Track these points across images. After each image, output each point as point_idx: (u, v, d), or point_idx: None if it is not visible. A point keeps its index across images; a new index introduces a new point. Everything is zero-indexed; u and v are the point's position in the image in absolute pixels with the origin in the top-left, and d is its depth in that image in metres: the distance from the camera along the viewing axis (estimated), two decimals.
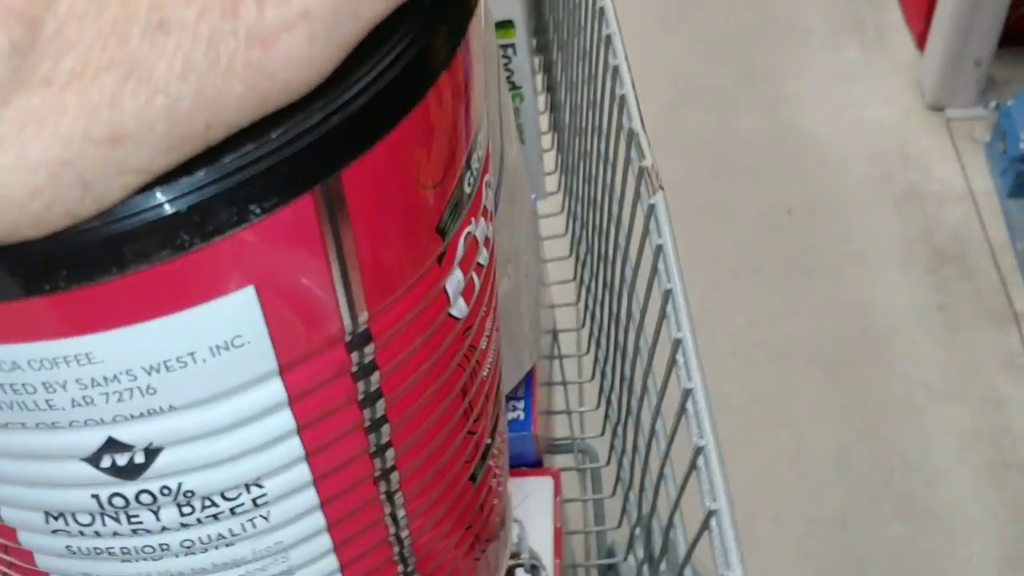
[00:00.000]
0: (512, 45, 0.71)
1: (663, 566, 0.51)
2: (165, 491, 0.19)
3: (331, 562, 0.22)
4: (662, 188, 0.47)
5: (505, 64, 0.72)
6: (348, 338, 0.19)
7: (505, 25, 0.69)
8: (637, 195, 0.49)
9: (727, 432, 1.31)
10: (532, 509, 0.62)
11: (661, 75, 1.78)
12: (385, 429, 0.21)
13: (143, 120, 0.15)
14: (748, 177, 1.63)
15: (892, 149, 1.66)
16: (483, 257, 0.22)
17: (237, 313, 0.17)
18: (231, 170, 0.15)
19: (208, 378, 0.17)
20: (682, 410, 0.40)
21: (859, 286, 1.48)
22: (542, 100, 0.88)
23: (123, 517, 0.19)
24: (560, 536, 0.61)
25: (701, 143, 1.69)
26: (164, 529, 0.20)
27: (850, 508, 1.25)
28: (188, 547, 0.20)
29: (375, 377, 0.20)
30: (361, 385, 0.20)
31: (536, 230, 0.77)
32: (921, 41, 1.73)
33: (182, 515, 0.19)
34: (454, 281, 0.21)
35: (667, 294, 0.43)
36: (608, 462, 0.71)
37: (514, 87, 0.74)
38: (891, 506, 1.25)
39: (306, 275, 0.17)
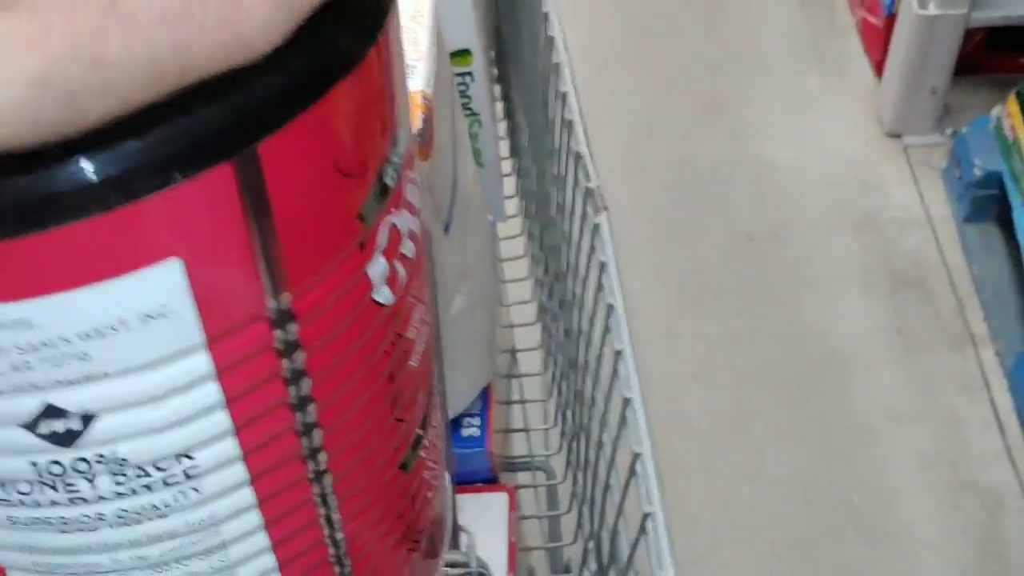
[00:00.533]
0: (469, 73, 0.73)
1: (612, 574, 0.53)
2: (100, 459, 0.20)
3: (262, 539, 0.23)
4: (606, 209, 0.48)
5: (463, 92, 0.74)
6: (272, 315, 0.20)
7: (462, 53, 0.71)
8: (584, 215, 0.51)
9: (689, 454, 1.33)
10: (486, 524, 0.63)
11: (623, 106, 1.81)
12: (311, 408, 0.22)
13: (124, 55, 0.16)
14: (710, 205, 1.66)
15: (851, 176, 1.70)
16: (408, 249, 0.24)
17: (164, 283, 0.18)
18: (155, 135, 0.17)
19: (139, 346, 0.19)
20: (622, 419, 0.42)
21: (819, 311, 1.50)
22: (502, 127, 0.90)
23: (60, 485, 0.20)
24: (515, 551, 0.63)
25: (663, 172, 1.72)
26: (100, 498, 0.21)
27: (811, 530, 1.27)
28: (123, 517, 0.21)
29: (299, 355, 0.21)
30: (285, 362, 0.21)
31: (493, 251, 0.78)
32: (879, 69, 1.77)
33: (116, 484, 0.21)
34: (377, 268, 0.22)
35: (609, 308, 0.45)
36: (564, 479, 0.72)
37: (472, 113, 0.76)
38: (852, 527, 1.27)
39: (230, 248, 0.18)
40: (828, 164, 1.72)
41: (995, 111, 1.54)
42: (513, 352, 0.79)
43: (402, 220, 0.23)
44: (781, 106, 1.82)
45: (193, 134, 0.17)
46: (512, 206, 0.87)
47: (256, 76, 0.18)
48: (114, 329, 0.18)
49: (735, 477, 1.31)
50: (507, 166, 0.90)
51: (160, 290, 0.18)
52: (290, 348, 0.21)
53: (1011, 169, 1.46)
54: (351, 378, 0.23)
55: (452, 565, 0.46)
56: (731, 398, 1.39)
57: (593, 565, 0.62)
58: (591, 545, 0.63)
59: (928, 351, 1.44)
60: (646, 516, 0.37)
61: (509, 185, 0.89)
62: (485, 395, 0.65)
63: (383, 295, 0.23)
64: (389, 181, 0.22)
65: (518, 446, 0.78)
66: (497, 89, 0.91)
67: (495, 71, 0.89)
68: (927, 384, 1.40)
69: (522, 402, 0.77)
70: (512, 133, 0.89)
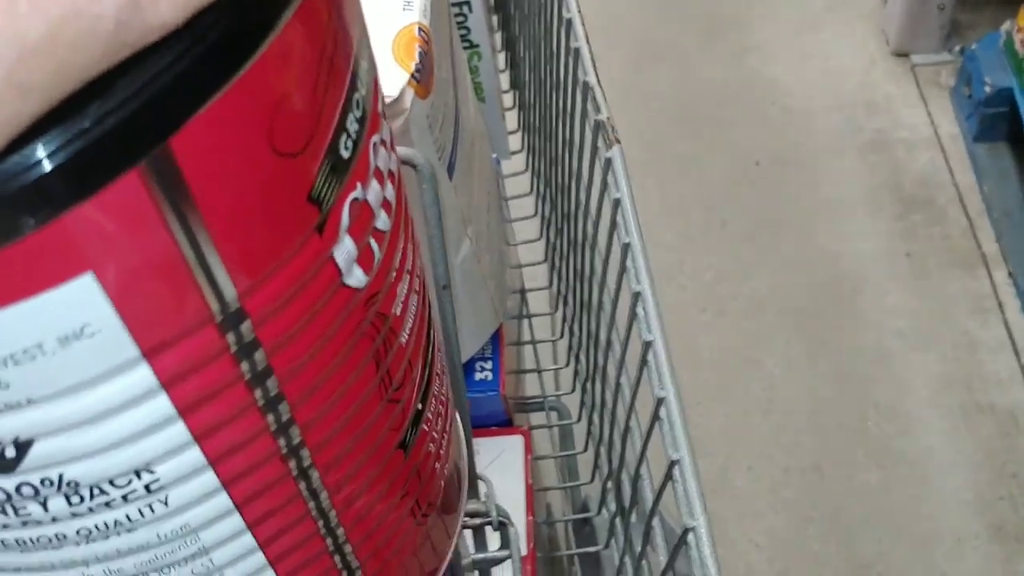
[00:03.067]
0: (467, 2, 0.70)
1: (633, 517, 0.51)
2: (47, 483, 0.18)
3: (248, 541, 0.22)
4: (618, 141, 0.46)
5: (461, 22, 0.71)
6: (219, 318, 0.18)
7: None
8: (595, 149, 0.49)
9: (700, 386, 1.32)
10: (503, 468, 0.62)
11: (624, 32, 1.77)
12: (283, 407, 0.20)
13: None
14: (715, 130, 1.63)
15: (858, 97, 1.66)
16: (383, 222, 0.21)
17: (78, 302, 0.16)
18: (45, 152, 0.14)
19: (62, 369, 0.17)
20: (643, 362, 0.40)
21: (828, 236, 1.48)
22: (501, 58, 0.87)
23: (9, 510, 0.18)
24: (532, 493, 0.62)
25: (667, 97, 1.68)
26: (55, 520, 0.19)
27: (825, 456, 1.26)
28: (86, 535, 0.20)
29: (260, 355, 0.19)
30: (245, 365, 0.19)
31: (498, 190, 0.76)
32: None
33: (71, 504, 0.19)
34: (344, 250, 0.20)
35: (625, 248, 0.43)
36: (579, 419, 0.71)
37: (471, 45, 0.73)
38: (865, 452, 1.26)
39: (152, 257, 0.16)
40: (834, 85, 1.68)
41: (1005, 26, 1.50)
42: (523, 292, 0.78)
43: (371, 192, 0.20)
44: (785, 27, 1.78)
45: (90, 147, 0.14)
46: (515, 141, 0.85)
47: (158, 60, 0.15)
48: (30, 355, 0.16)
49: (747, 406, 1.30)
50: (508, 99, 0.87)
51: (75, 309, 0.16)
52: (247, 349, 0.19)
53: (1022, 85, 1.43)
54: (326, 369, 0.21)
55: (472, 515, 0.45)
56: (741, 327, 1.38)
57: (613, 505, 0.61)
58: (610, 486, 0.62)
59: (939, 273, 1.43)
60: (673, 463, 0.36)
61: (511, 119, 0.86)
62: (496, 338, 0.64)
63: (355, 278, 0.20)
64: (345, 152, 0.19)
65: (531, 386, 0.76)
66: (495, 19, 0.88)
67: (491, 0, 0.86)
68: (939, 306, 1.39)
69: (533, 342, 0.75)
70: (513, 65, 0.86)
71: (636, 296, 0.40)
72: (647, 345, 0.39)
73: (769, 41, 1.76)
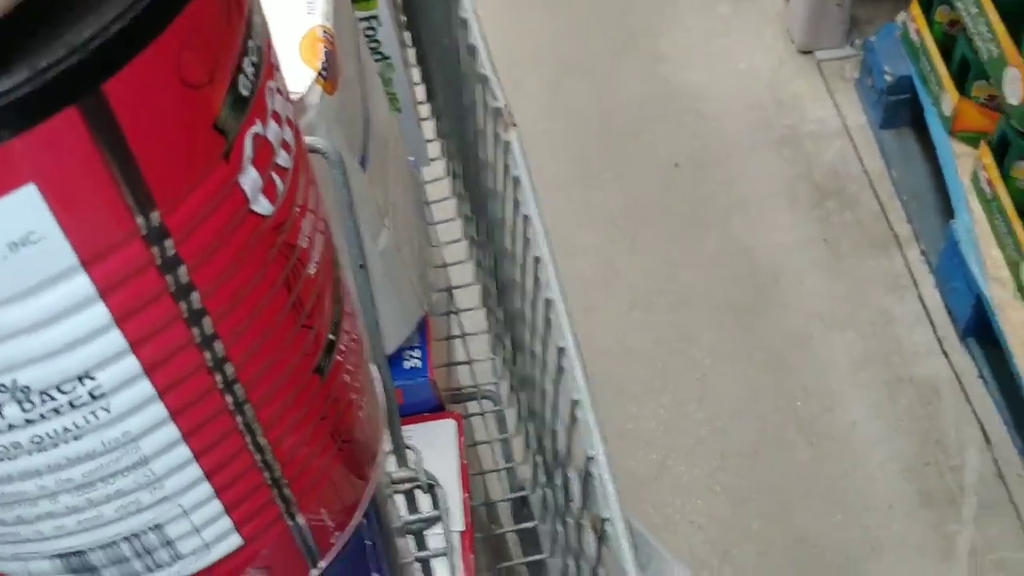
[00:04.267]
0: (375, 16, 0.74)
1: (557, 480, 0.55)
2: (2, 388, 0.21)
3: (184, 451, 0.24)
4: (515, 125, 0.50)
5: (371, 36, 0.75)
6: (144, 232, 0.21)
7: None
8: (496, 137, 0.53)
9: (634, 381, 1.36)
10: (437, 450, 0.65)
11: (542, 50, 1.82)
12: (207, 321, 0.23)
13: None
14: (635, 138, 1.68)
15: (768, 95, 1.73)
16: (284, 159, 0.24)
17: (24, 209, 0.19)
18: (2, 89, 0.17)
19: (15, 273, 0.19)
20: (547, 323, 0.44)
21: (748, 229, 1.54)
22: (416, 73, 0.91)
23: None
24: (466, 472, 0.65)
25: (587, 110, 1.73)
26: (11, 427, 0.22)
27: (758, 439, 1.31)
28: (39, 443, 0.22)
29: (183, 270, 0.22)
30: (170, 278, 0.22)
31: (416, 191, 0.79)
32: None
33: (24, 411, 0.21)
34: (249, 179, 0.23)
35: (525, 219, 0.46)
36: (509, 403, 0.75)
37: (383, 57, 0.77)
38: (797, 433, 1.31)
39: (86, 176, 0.19)
40: (745, 86, 1.74)
41: (900, 17, 1.58)
42: (449, 290, 0.81)
43: (271, 131, 0.24)
44: (694, 34, 1.84)
45: (37, 88, 0.18)
46: (434, 149, 0.89)
47: (96, 18, 0.18)
48: None
49: (681, 397, 1.35)
50: (425, 111, 0.91)
51: (22, 216, 0.19)
52: (171, 263, 0.22)
53: (920, 72, 1.50)
54: (243, 288, 0.24)
55: (401, 481, 0.48)
56: (670, 322, 1.43)
57: (543, 477, 0.65)
58: (538, 458, 0.65)
59: (855, 256, 1.49)
60: (574, 403, 0.39)
61: (429, 129, 0.90)
62: (423, 328, 0.67)
63: (262, 206, 0.23)
64: (244, 91, 0.22)
65: (464, 379, 0.80)
66: (408, 36, 0.92)
67: (403, 17, 0.90)
68: (857, 288, 1.45)
69: (463, 336, 0.78)
70: (426, 78, 0.90)
71: (536, 260, 0.44)
72: (548, 303, 0.43)
73: (680, 49, 1.82)
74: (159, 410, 0.23)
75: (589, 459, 0.38)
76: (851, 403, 1.33)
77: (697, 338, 1.41)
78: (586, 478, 0.39)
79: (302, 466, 0.29)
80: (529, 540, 0.75)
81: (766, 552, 1.22)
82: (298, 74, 0.47)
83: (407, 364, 0.65)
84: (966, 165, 1.39)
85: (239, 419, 0.25)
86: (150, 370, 0.23)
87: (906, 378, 1.34)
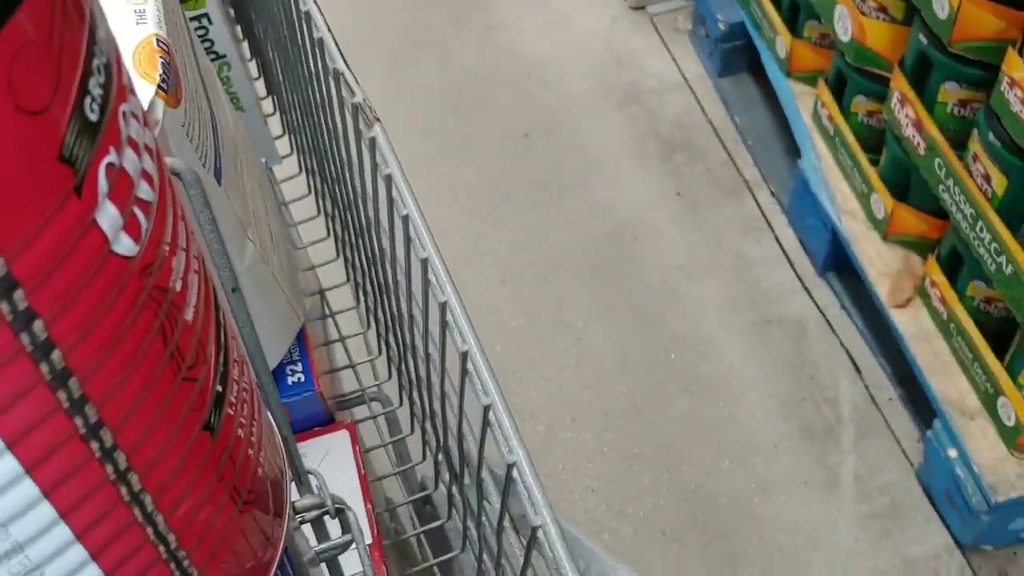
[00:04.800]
0: (206, 15, 0.69)
1: (467, 479, 0.53)
2: None
3: (63, 531, 0.21)
4: (378, 120, 0.47)
5: (203, 36, 0.71)
6: None
7: None
8: (358, 133, 0.50)
9: (513, 355, 1.35)
10: (334, 464, 0.62)
11: (377, 31, 1.77)
12: (73, 382, 0.20)
13: None
14: (481, 110, 1.66)
15: (606, 55, 1.73)
16: (146, 192, 0.21)
17: None
18: None
19: None
20: (443, 325, 0.42)
21: (603, 191, 1.54)
22: (253, 67, 0.87)
23: None
24: (366, 483, 0.62)
25: (430, 86, 1.71)
26: None
27: (639, 395, 1.32)
28: None
29: (39, 325, 0.19)
30: (24, 336, 0.19)
31: (274, 194, 0.76)
32: None
33: None
34: (107, 216, 0.20)
35: (405, 220, 0.44)
36: (401, 403, 0.72)
37: (218, 56, 0.73)
38: (674, 384, 1.33)
39: None
40: (582, 48, 1.75)
41: None
42: (321, 293, 0.78)
43: (128, 160, 0.21)
44: (526, 3, 1.83)
45: None
46: (283, 145, 0.85)
47: None
48: None
49: (559, 364, 1.35)
50: (268, 105, 0.87)
51: None
52: (24, 318, 0.19)
53: (752, 17, 1.53)
54: (111, 341, 0.21)
55: (308, 509, 0.45)
56: (541, 291, 1.42)
57: (446, 475, 0.63)
58: (441, 457, 0.63)
59: (709, 205, 1.51)
60: (487, 408, 0.37)
61: (275, 125, 0.86)
62: (302, 339, 0.64)
63: (124, 246, 0.20)
64: (92, 115, 0.19)
65: (348, 383, 0.77)
66: (238, 29, 0.88)
67: (231, 11, 0.85)
68: (715, 236, 1.47)
69: (341, 339, 0.75)
70: (266, 71, 0.86)
71: (424, 263, 0.42)
72: (442, 306, 0.41)
73: (514, 17, 1.81)
74: (29, 488, 0.20)
75: (510, 466, 0.36)
76: (723, 349, 1.36)
77: (568, 304, 1.41)
78: (507, 483, 0.37)
79: (201, 534, 0.26)
80: (435, 538, 0.73)
81: (660, 506, 1.24)
82: (137, 90, 0.43)
83: (291, 379, 0.62)
84: (806, 104, 1.43)
85: (123, 490, 0.22)
86: (13, 444, 0.19)
87: (773, 318, 1.38)
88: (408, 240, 0.45)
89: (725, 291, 1.41)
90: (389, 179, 0.45)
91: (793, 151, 1.47)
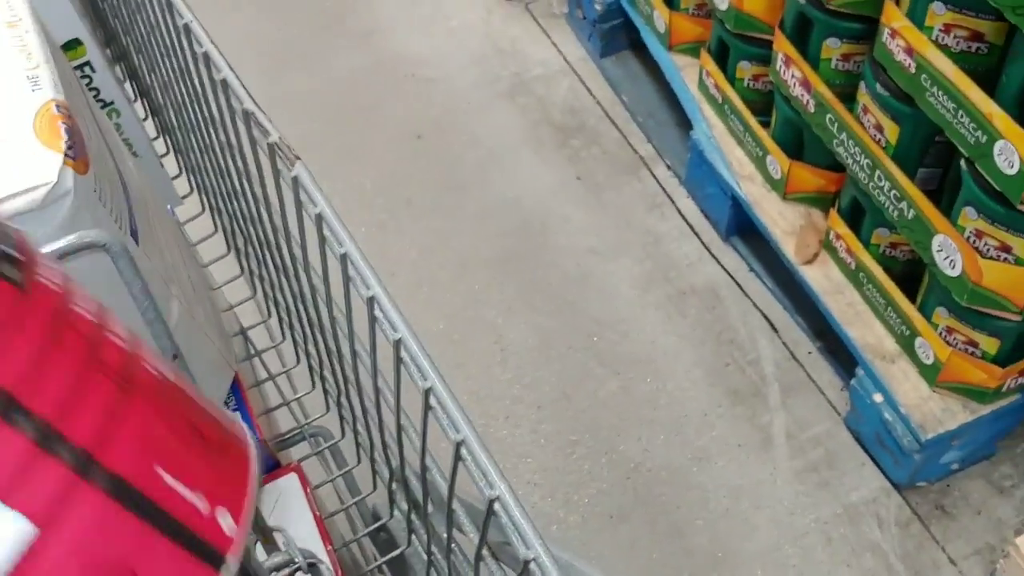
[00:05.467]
0: (88, 63, 0.67)
1: (430, 508, 0.52)
2: None
3: None
4: (298, 158, 0.46)
5: (88, 84, 0.68)
6: None
7: (72, 45, 0.64)
8: (276, 172, 0.48)
9: (437, 359, 1.33)
10: (288, 509, 0.61)
11: (246, 46, 1.73)
12: None
13: None
14: (368, 116, 1.64)
15: (487, 48, 1.73)
16: None
17: None
18: None
19: None
20: (398, 361, 0.41)
21: (504, 184, 1.54)
22: (139, 107, 0.84)
23: None
24: (322, 523, 0.61)
25: (310, 98, 1.68)
26: None
27: (566, 382, 1.32)
28: None
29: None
30: None
31: (184, 238, 0.73)
32: None
33: None
34: None
35: (344, 258, 0.43)
36: (343, 435, 0.71)
37: (106, 104, 0.70)
38: (600, 366, 1.34)
39: None
40: (462, 43, 1.74)
41: None
42: (243, 332, 0.75)
43: None
44: (399, 3, 1.81)
45: None
46: (182, 185, 0.82)
47: None
48: None
49: (485, 362, 1.34)
50: (160, 145, 0.84)
51: None
52: None
53: None
54: None
55: (279, 568, 0.44)
56: (457, 291, 1.41)
57: (404, 504, 0.62)
58: (395, 486, 0.62)
59: (610, 186, 1.52)
60: (459, 444, 0.37)
61: (170, 164, 0.83)
62: (235, 386, 0.62)
63: None
64: None
65: (284, 422, 0.75)
66: (118, 71, 0.84)
67: (109, 52, 0.82)
68: (619, 215, 1.48)
69: (271, 378, 0.73)
70: (155, 111, 0.83)
71: (371, 300, 0.41)
72: (397, 344, 0.40)
73: (389, 18, 1.79)
74: None
75: (493, 500, 0.35)
76: (643, 325, 1.37)
77: (485, 301, 1.41)
78: (488, 518, 0.36)
79: None
80: (396, 566, 0.72)
81: (603, 489, 1.24)
82: (42, 161, 0.41)
83: None
84: (691, 76, 1.45)
85: None
86: None
87: (687, 289, 1.39)
88: (347, 278, 0.44)
89: (637, 269, 1.42)
90: (320, 218, 0.44)
91: (684, 123, 1.48)
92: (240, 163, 0.55)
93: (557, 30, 1.73)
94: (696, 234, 1.45)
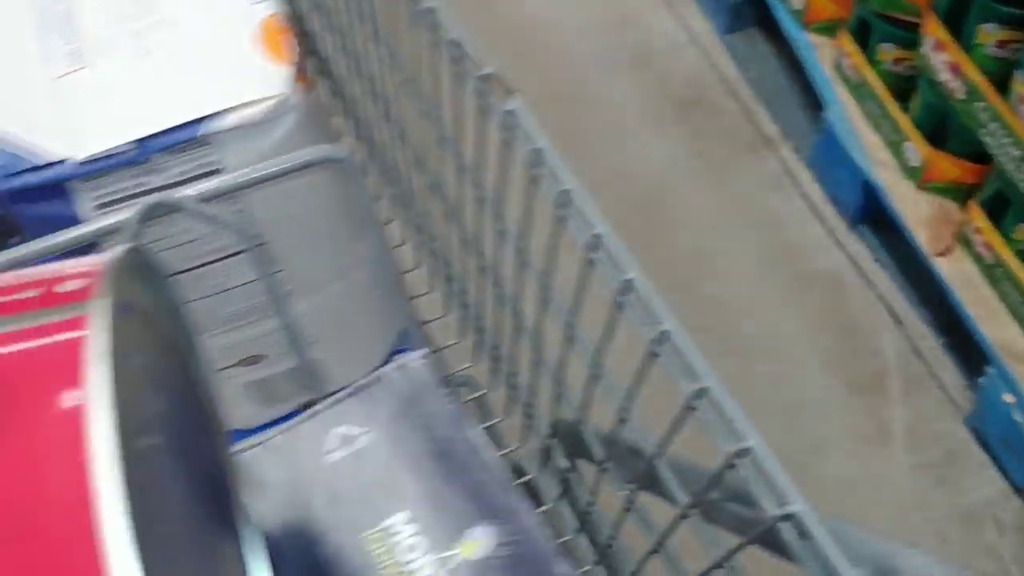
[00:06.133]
0: None
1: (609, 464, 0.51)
2: None
3: None
4: (515, 91, 0.45)
5: None
6: None
7: None
8: (484, 109, 0.47)
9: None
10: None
11: None
12: None
13: None
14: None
15: (608, 15, 1.70)
16: None
17: None
18: None
19: None
20: (620, 305, 0.39)
21: (620, 156, 1.52)
22: None
23: None
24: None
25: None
26: None
27: None
28: None
29: None
30: None
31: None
32: None
33: None
34: None
35: (565, 194, 0.41)
36: (490, 388, 0.70)
37: None
38: (716, 347, 1.30)
39: None
40: (583, 10, 1.71)
41: None
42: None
43: None
44: None
45: None
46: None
47: None
48: None
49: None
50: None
51: None
52: None
53: None
54: None
55: None
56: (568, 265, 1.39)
57: (564, 462, 0.60)
58: (556, 442, 0.61)
59: (731, 165, 1.49)
60: (700, 391, 0.35)
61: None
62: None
63: None
64: None
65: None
66: None
67: None
68: (741, 194, 1.45)
69: (422, 324, 0.72)
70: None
71: (596, 237, 0.39)
72: (627, 283, 0.38)
73: None
74: None
75: (742, 451, 0.33)
76: (762, 309, 1.34)
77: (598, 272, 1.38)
78: (723, 470, 0.35)
79: None
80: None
81: None
82: (269, 74, 0.40)
83: None
84: (825, 56, 1.41)
85: None
86: None
87: (809, 274, 1.36)
88: (561, 219, 0.42)
89: (756, 250, 1.39)
90: (539, 154, 0.42)
91: (810, 104, 1.45)
92: (426, 104, 0.54)
93: (681, 2, 1.69)
94: (820, 219, 1.41)
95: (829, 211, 1.41)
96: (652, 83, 1.60)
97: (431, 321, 0.74)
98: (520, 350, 0.58)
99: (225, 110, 0.39)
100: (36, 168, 0.37)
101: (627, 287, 0.38)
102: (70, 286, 0.22)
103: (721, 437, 0.34)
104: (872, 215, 1.36)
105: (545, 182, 0.42)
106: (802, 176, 1.45)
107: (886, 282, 1.34)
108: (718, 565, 0.41)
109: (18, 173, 0.37)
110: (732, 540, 0.45)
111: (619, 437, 0.47)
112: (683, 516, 0.41)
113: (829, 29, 1.42)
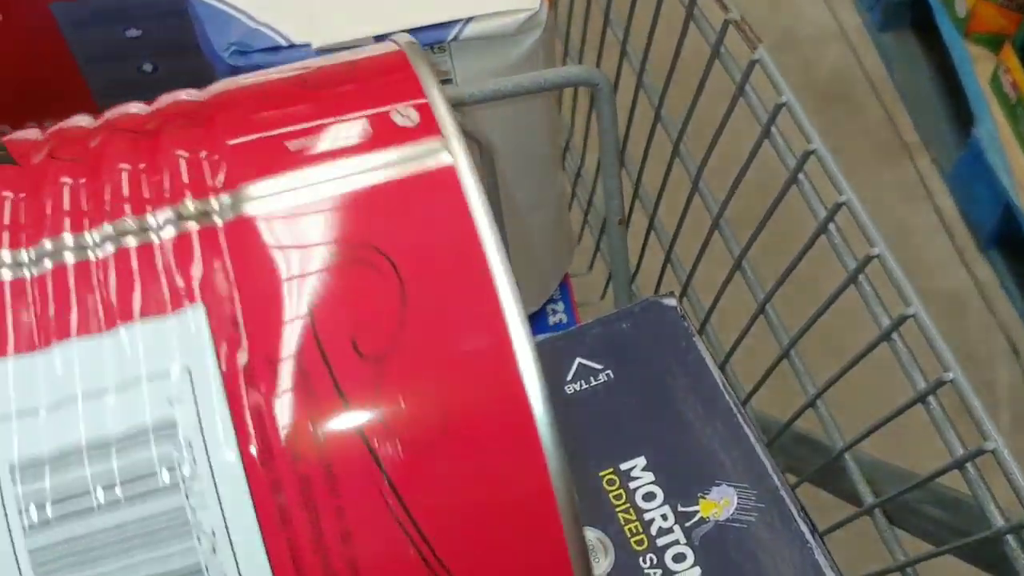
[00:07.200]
0: None
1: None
2: None
3: None
4: (760, 40, 0.42)
5: None
6: None
7: None
8: (717, 53, 0.44)
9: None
10: None
11: None
12: None
13: None
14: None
15: None
16: None
17: None
18: None
19: None
20: (828, 220, 0.37)
21: (747, 138, 1.47)
22: None
23: None
24: None
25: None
26: None
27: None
28: None
29: None
30: None
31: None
32: None
33: None
34: None
35: (807, 155, 0.39)
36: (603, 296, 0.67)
37: None
38: (823, 349, 1.27)
39: None
40: None
41: None
42: None
43: None
44: None
45: None
46: None
47: None
48: None
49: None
50: None
51: None
52: None
53: None
54: None
55: None
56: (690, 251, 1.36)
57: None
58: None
59: (866, 166, 1.44)
60: (905, 318, 0.32)
61: None
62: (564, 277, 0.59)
63: None
64: None
65: None
66: None
67: None
68: (872, 200, 1.40)
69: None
70: None
71: (840, 205, 0.37)
72: (837, 206, 0.35)
73: None
74: None
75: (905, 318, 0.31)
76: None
77: (715, 259, 1.35)
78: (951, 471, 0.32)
79: None
80: None
81: None
82: None
83: (551, 320, 0.57)
84: (983, 69, 1.35)
85: None
86: None
87: (929, 291, 1.31)
88: (796, 179, 0.40)
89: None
90: (779, 108, 0.40)
91: (958, 116, 1.39)
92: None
93: None
94: (950, 235, 1.36)
95: (960, 229, 1.36)
96: (795, 70, 1.55)
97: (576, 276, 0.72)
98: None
99: (473, 17, 0.37)
100: (273, 48, 0.35)
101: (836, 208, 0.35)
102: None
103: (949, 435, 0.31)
104: (1006, 240, 1.30)
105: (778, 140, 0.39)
106: (937, 189, 1.40)
107: (1008, 311, 1.29)
108: (900, 568, 0.39)
109: (253, 51, 0.35)
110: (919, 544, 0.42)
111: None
112: (865, 513, 0.39)
113: (992, 42, 1.36)
